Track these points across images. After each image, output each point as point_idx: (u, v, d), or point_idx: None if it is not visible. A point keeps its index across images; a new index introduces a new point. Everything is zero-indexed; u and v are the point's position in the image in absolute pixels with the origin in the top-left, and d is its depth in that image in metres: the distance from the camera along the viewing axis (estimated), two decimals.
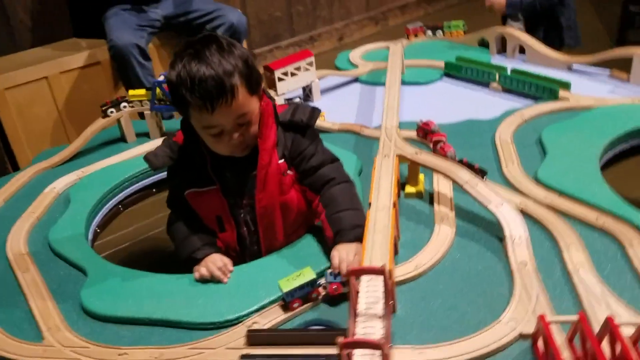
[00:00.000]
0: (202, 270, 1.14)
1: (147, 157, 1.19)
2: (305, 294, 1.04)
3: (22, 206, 1.48)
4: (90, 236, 1.40)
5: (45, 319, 1.08)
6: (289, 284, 1.02)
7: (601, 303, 0.99)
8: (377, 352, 0.82)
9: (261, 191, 1.18)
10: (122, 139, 1.81)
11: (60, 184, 1.55)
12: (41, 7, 2.89)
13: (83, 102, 2.79)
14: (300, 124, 1.20)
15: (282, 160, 1.19)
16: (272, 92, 1.87)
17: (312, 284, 1.05)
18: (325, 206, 1.18)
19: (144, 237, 2.05)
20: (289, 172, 1.21)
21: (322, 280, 1.07)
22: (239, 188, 1.20)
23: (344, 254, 1.08)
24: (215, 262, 1.14)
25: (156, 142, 1.76)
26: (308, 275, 1.04)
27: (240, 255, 1.27)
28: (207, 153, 1.17)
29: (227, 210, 1.21)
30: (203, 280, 1.14)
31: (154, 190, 1.67)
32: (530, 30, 2.54)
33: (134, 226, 2.04)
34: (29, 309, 1.12)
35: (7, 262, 1.27)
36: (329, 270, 1.07)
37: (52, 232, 1.34)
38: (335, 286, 1.07)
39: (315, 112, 1.23)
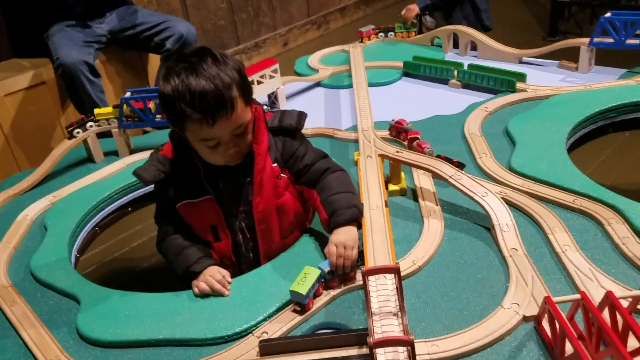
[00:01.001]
0: (201, 285, 1.13)
1: (137, 172, 1.18)
2: (314, 291, 1.06)
3: None
4: (72, 262, 1.35)
5: (44, 351, 1.04)
6: (304, 286, 1.03)
7: (592, 280, 1.05)
8: (401, 349, 0.84)
9: (258, 195, 1.19)
10: (90, 159, 1.75)
11: (32, 211, 1.49)
12: None
13: (30, 125, 2.69)
14: (290, 128, 1.22)
15: (275, 164, 1.20)
16: None
17: (319, 280, 1.07)
18: (320, 192, 1.20)
19: (118, 255, 2.01)
20: (282, 175, 1.22)
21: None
22: (233, 196, 1.20)
23: (341, 250, 1.09)
24: (214, 275, 1.13)
25: (126, 160, 1.73)
26: (313, 272, 1.06)
27: (236, 264, 1.26)
28: (200, 163, 1.16)
29: (223, 218, 1.21)
30: (203, 295, 1.13)
31: (129, 209, 1.62)
32: (448, 18, 2.76)
33: (108, 244, 1.99)
34: (23, 344, 1.08)
35: None
36: (327, 269, 1.08)
37: (33, 261, 1.29)
38: (337, 281, 1.10)
39: (303, 116, 1.26)
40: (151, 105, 1.69)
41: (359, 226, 1.16)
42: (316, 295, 1.07)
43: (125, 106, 1.68)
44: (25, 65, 2.72)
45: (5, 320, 1.14)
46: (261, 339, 1.00)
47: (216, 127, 1.05)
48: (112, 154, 1.78)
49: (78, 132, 1.69)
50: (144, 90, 1.73)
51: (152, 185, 1.24)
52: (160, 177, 1.16)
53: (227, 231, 1.22)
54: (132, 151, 1.78)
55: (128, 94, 1.70)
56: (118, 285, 1.21)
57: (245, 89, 1.09)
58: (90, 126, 1.71)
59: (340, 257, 1.08)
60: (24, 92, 2.65)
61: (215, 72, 1.04)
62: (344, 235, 1.11)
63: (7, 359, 1.05)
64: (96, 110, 1.73)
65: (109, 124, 1.73)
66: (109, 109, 1.72)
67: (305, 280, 1.04)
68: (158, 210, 1.26)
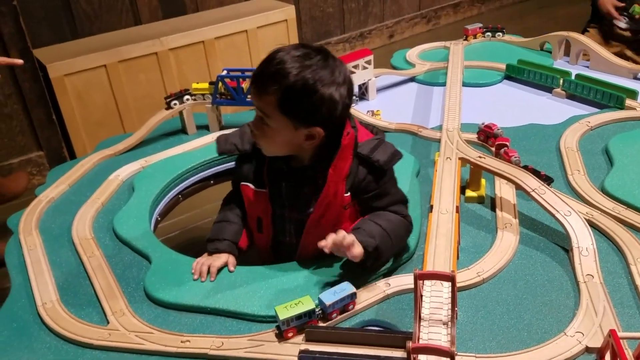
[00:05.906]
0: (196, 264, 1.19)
1: (218, 139, 1.22)
2: (302, 323, 1.00)
3: (86, 192, 1.52)
4: (152, 224, 1.43)
5: (110, 303, 1.12)
6: (286, 312, 0.98)
7: None
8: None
9: (317, 216, 1.14)
10: (183, 130, 1.83)
11: (124, 172, 1.59)
12: None
13: (139, 92, 2.86)
14: (376, 164, 1.12)
15: (348, 194, 1.14)
16: None
17: (310, 314, 1.00)
18: (369, 214, 1.15)
19: (198, 225, 2.11)
20: (350, 204, 1.16)
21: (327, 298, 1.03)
22: (291, 201, 1.18)
23: (340, 236, 1.04)
24: (207, 262, 1.17)
25: (215, 135, 1.77)
26: (307, 305, 1.00)
27: (275, 261, 1.23)
28: (267, 156, 1.16)
29: (269, 216, 1.20)
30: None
31: (212, 182, 1.69)
32: None
33: (190, 213, 2.10)
34: (94, 293, 1.16)
35: (73, 246, 1.31)
36: (328, 303, 1.02)
37: (116, 219, 1.37)
38: (336, 313, 1.04)
39: (396, 157, 1.15)
40: (244, 84, 1.73)
41: (362, 263, 1.08)
42: (305, 328, 0.99)
43: (220, 84, 1.74)
44: (141, 35, 2.90)
45: (83, 269, 1.23)
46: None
47: (252, 92, 1.08)
48: (204, 128, 1.85)
49: (175, 104, 1.78)
50: (240, 70, 1.79)
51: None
52: (232, 152, 1.20)
53: (270, 229, 1.21)
54: (222, 127, 1.84)
55: (224, 72, 1.76)
56: (195, 253, 1.26)
57: (294, 104, 1.04)
58: (187, 99, 1.79)
59: (333, 238, 1.04)
60: (136, 61, 2.82)
61: (296, 66, 1.03)
62: (348, 234, 1.06)
63: (78, 304, 1.14)
64: (193, 85, 1.81)
65: (204, 99, 1.80)
66: (205, 85, 1.79)
67: (293, 309, 0.99)
68: (233, 180, 1.29)
